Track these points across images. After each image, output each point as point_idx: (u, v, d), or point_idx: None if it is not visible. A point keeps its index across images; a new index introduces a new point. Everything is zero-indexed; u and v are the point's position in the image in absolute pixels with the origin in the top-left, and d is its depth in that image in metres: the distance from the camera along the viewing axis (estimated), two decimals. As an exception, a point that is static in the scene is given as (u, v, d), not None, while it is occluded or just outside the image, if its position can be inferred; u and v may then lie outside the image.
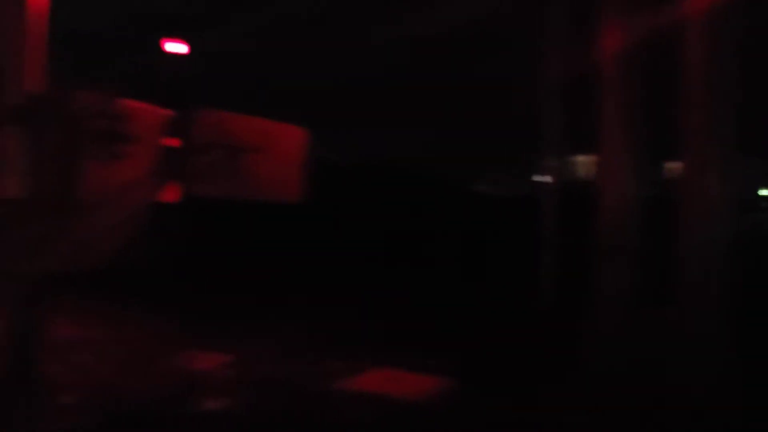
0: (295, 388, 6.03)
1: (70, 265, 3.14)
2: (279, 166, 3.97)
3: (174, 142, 3.56)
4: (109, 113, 3.14)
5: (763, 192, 32.12)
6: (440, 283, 11.75)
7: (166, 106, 3.68)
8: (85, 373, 6.08)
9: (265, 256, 13.67)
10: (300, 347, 7.39)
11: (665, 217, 5.91)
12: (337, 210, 17.32)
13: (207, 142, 3.48)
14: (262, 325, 8.29)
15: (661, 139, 6.73)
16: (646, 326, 5.65)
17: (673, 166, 6.65)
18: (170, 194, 3.67)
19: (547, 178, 11.88)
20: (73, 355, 5.92)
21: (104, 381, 6.03)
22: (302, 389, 6.00)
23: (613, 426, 5.19)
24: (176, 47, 18.85)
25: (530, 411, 5.53)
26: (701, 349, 5.11)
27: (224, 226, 13.22)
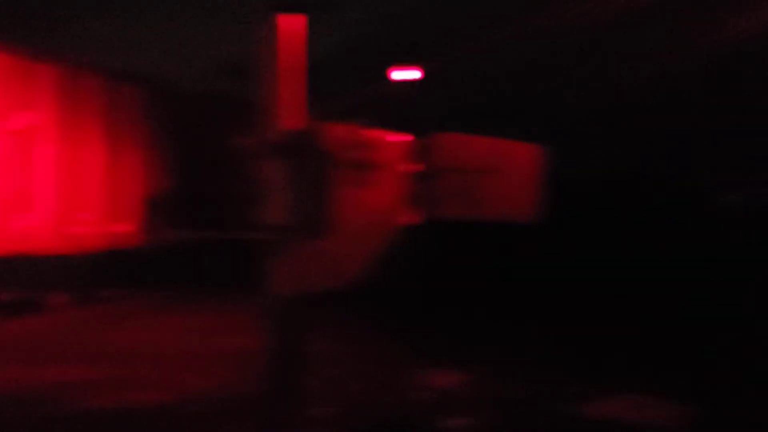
0: (539, 410, 5.92)
1: (326, 285, 3.38)
2: (516, 185, 3.95)
3: (415, 167, 3.70)
4: (359, 144, 3.35)
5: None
6: (688, 305, 10.87)
7: (406, 132, 3.84)
8: (336, 386, 6.51)
9: (504, 275, 13.68)
10: (541, 367, 7.27)
11: None
12: (575, 226, 16.83)
13: (445, 165, 3.57)
14: (501, 344, 8.30)
15: None
16: None
17: None
18: (413, 217, 3.81)
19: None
20: (326, 370, 6.34)
21: (354, 395, 6.41)
22: (546, 412, 5.88)
23: None
24: (409, 74, 19.59)
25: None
26: None
27: (464, 247, 13.46)
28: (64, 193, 11.03)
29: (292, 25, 3.47)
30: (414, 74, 19.39)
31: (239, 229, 3.57)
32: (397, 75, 18.85)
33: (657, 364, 7.32)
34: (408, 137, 3.69)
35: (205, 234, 2.95)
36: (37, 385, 6.77)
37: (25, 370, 7.31)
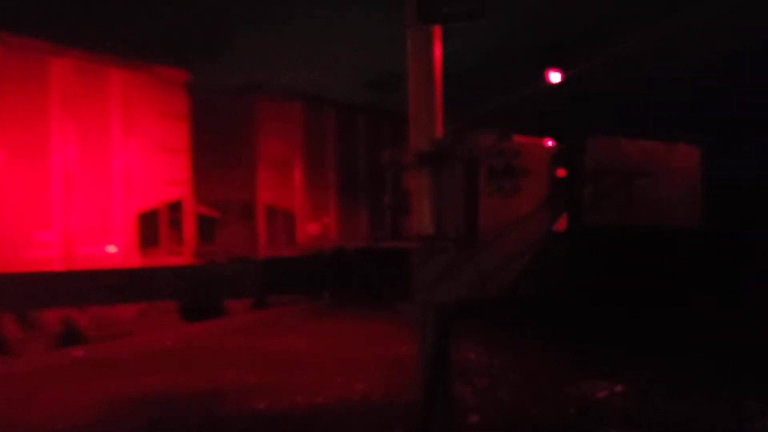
0: (703, 426, 5.57)
1: (474, 294, 3.36)
2: (671, 189, 3.74)
3: (562, 173, 3.60)
4: (504, 151, 3.32)
5: None
6: None
7: (550, 136, 3.75)
8: (486, 395, 6.45)
9: (659, 283, 13.00)
10: (697, 380, 6.83)
11: None
12: (736, 233, 15.70)
13: (597, 169, 3.45)
14: (656, 356, 7.89)
15: None
16: None
17: None
18: (561, 224, 3.71)
19: None
20: (476, 378, 6.30)
21: (503, 404, 6.33)
22: (711, 428, 5.51)
23: None
24: (552, 76, 19.14)
25: None
26: None
27: (616, 254, 12.94)
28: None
29: (428, 37, 3.51)
30: (555, 77, 18.92)
31: (391, 238, 3.63)
32: (549, 77, 18.42)
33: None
34: (555, 142, 3.61)
35: (362, 245, 3.05)
36: (202, 387, 7.23)
37: (196, 373, 7.84)
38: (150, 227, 10.62)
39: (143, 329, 10.32)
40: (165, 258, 10.52)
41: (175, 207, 11.08)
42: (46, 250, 9.19)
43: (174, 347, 9.47)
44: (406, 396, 6.62)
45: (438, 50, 3.60)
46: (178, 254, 10.94)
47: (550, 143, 3.67)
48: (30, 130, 9.18)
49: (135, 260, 10.12)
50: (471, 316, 3.61)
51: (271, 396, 6.74)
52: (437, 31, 3.58)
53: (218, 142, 12.37)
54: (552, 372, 7.42)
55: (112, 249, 9.85)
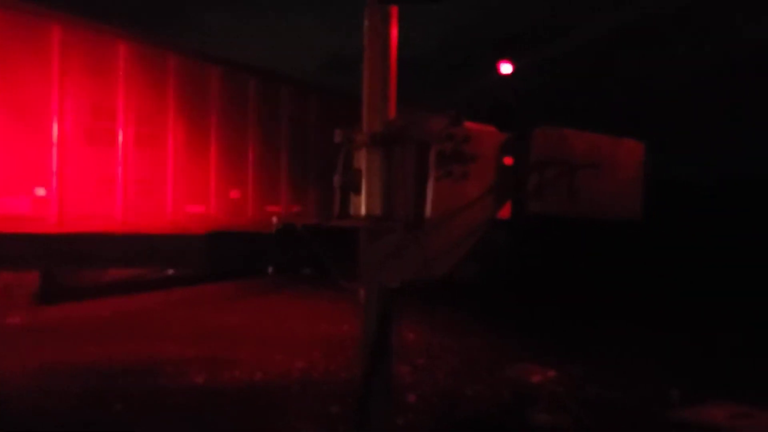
0: (628, 412, 5.79)
1: (418, 275, 3.41)
2: (615, 182, 3.85)
3: (510, 161, 3.67)
4: (454, 136, 3.36)
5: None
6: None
7: (499, 125, 3.81)
8: (424, 375, 6.57)
9: (596, 274, 13.37)
10: (627, 369, 7.09)
11: None
12: (675, 229, 16.23)
13: (543, 159, 3.52)
14: (587, 343, 8.15)
15: None
16: None
17: None
18: (506, 212, 3.78)
19: None
20: (416, 358, 6.40)
21: (441, 384, 6.46)
22: (636, 414, 5.74)
23: None
24: (503, 68, 19.42)
25: None
26: None
27: (555, 243, 13.24)
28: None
29: (385, 17, 3.53)
30: (507, 68, 19.20)
31: (339, 218, 3.65)
32: (505, 69, 18.63)
33: (762, 377, 7.00)
34: (504, 130, 3.66)
35: (308, 222, 3.07)
36: (141, 359, 7.16)
37: (135, 345, 7.74)
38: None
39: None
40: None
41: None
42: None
43: (112, 318, 9.32)
44: (345, 373, 6.70)
45: (394, 31, 3.61)
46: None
47: (500, 131, 3.72)
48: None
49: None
50: (414, 298, 3.66)
51: (210, 371, 6.72)
52: (394, 11, 3.59)
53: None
54: (489, 355, 7.60)
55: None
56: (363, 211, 3.54)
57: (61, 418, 5.31)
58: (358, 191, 3.60)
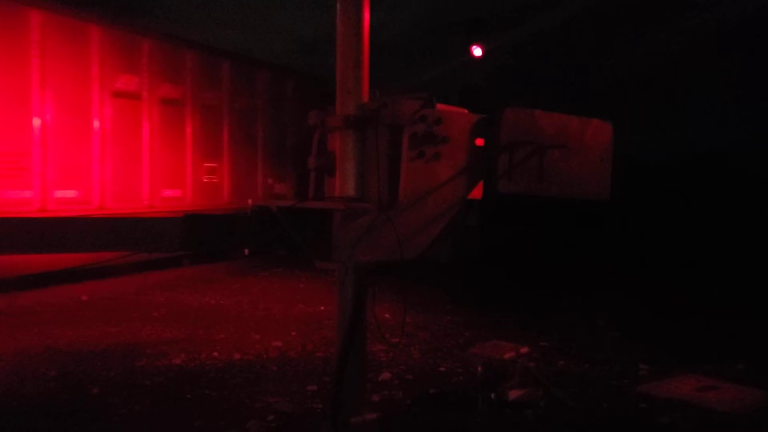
0: (598, 386, 5.95)
1: (392, 256, 3.47)
2: (583, 162, 3.93)
3: (481, 142, 3.73)
4: (426, 118, 3.42)
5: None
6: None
7: (470, 107, 3.87)
8: (399, 353, 6.68)
9: (567, 253, 13.57)
10: (599, 345, 7.27)
11: None
12: (644, 210, 16.49)
13: (513, 140, 3.59)
14: (559, 321, 8.31)
15: None
16: None
17: None
18: (477, 192, 3.85)
19: None
20: (390, 337, 6.50)
21: (415, 362, 6.58)
22: (606, 388, 5.90)
23: None
24: (474, 51, 19.53)
25: None
26: None
27: (527, 223, 13.40)
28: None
29: (357, 1, 3.56)
30: (477, 51, 19.30)
31: (314, 199, 3.70)
32: (476, 51, 18.71)
33: (726, 350, 7.21)
34: (474, 112, 3.72)
35: (283, 204, 3.09)
36: (118, 342, 7.18)
37: (112, 328, 7.75)
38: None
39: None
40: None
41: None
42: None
43: (89, 301, 9.31)
44: (321, 352, 6.79)
45: (367, 13, 3.65)
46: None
47: (471, 113, 3.78)
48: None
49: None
50: (388, 278, 3.73)
51: (188, 352, 6.77)
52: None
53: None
54: (462, 333, 7.73)
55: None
56: (337, 192, 3.60)
57: (37, 403, 5.33)
58: (332, 173, 3.65)
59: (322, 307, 8.89)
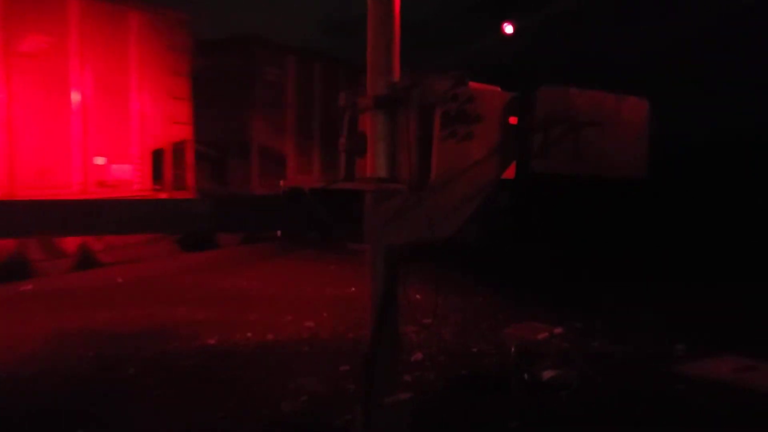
0: (634, 367, 5.88)
1: (424, 236, 3.44)
2: (619, 140, 3.85)
3: (514, 121, 3.67)
4: (458, 96, 3.37)
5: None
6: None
7: (502, 85, 3.80)
8: (431, 334, 6.66)
9: (602, 233, 13.40)
10: (634, 326, 7.17)
11: None
12: (682, 188, 16.19)
13: (547, 118, 3.53)
14: (593, 301, 8.22)
15: None
16: None
17: None
18: (510, 172, 3.79)
19: None
20: (422, 318, 6.48)
21: (447, 343, 6.56)
22: (641, 368, 5.82)
23: None
24: (506, 28, 19.27)
25: None
26: None
27: (561, 203, 13.26)
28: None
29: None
30: (509, 29, 19.04)
31: (345, 181, 3.67)
32: (507, 29, 18.49)
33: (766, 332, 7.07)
34: (508, 91, 3.66)
35: (315, 186, 3.09)
36: (153, 323, 7.27)
37: (147, 309, 7.86)
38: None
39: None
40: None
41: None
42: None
43: (124, 284, 9.44)
44: (352, 333, 6.80)
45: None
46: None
47: (504, 91, 3.72)
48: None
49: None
50: (419, 258, 3.71)
51: (221, 332, 6.83)
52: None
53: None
54: (494, 314, 7.69)
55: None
56: (368, 173, 3.57)
57: (74, 382, 5.42)
58: (363, 154, 3.62)
59: (352, 289, 8.90)
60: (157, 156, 11.30)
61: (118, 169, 10.51)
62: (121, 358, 6.00)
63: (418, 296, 7.24)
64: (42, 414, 4.78)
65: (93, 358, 6.00)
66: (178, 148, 11.65)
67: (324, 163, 14.77)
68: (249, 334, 6.80)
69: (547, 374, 5.18)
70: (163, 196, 10.99)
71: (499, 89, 3.69)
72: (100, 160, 10.31)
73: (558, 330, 6.80)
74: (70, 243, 9.97)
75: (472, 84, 3.47)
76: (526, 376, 5.20)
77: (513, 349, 5.37)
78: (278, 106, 14.13)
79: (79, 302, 8.17)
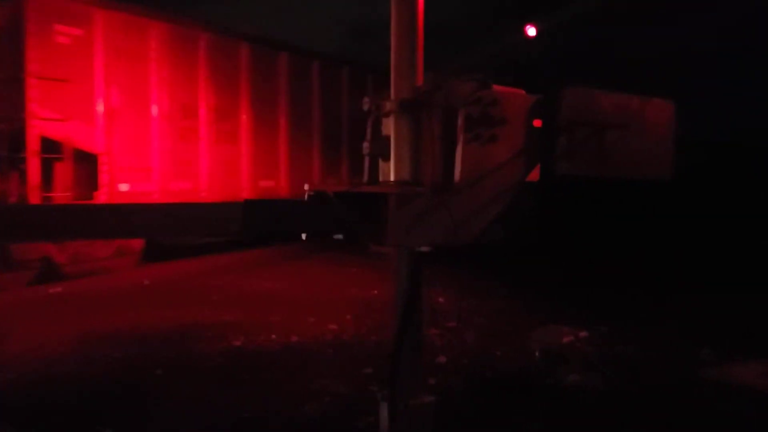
0: (660, 371, 5.82)
1: (447, 239, 3.44)
2: (645, 141, 3.82)
3: (539, 123, 3.66)
4: (482, 99, 3.37)
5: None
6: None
7: (526, 87, 3.80)
8: (454, 337, 6.66)
9: (625, 235, 13.29)
10: (657, 330, 7.10)
11: None
12: (704, 190, 16.00)
13: (572, 120, 3.51)
14: (618, 305, 8.16)
15: None
16: None
17: None
18: (534, 174, 3.78)
19: None
20: (445, 321, 6.48)
21: (470, 346, 6.55)
22: (667, 373, 5.77)
23: None
24: (529, 30, 19.20)
25: None
26: None
27: (585, 205, 13.17)
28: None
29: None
30: (532, 31, 18.98)
31: (369, 184, 3.69)
32: (530, 31, 18.44)
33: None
34: (532, 93, 3.65)
35: (339, 189, 3.10)
36: (180, 325, 7.35)
37: (174, 311, 7.94)
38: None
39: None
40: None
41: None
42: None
43: (151, 286, 9.55)
44: (375, 336, 6.82)
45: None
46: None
47: (528, 94, 3.71)
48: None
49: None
50: (443, 262, 3.71)
51: (247, 334, 6.88)
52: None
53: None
54: (517, 317, 7.66)
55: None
56: (392, 176, 3.58)
57: (102, 383, 5.50)
58: (387, 157, 3.64)
59: (375, 291, 8.92)
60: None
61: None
62: (147, 359, 6.08)
63: (441, 299, 7.28)
64: (71, 413, 4.85)
65: (120, 359, 6.08)
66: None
67: (352, 167, 14.83)
68: (273, 336, 6.85)
69: (572, 378, 5.16)
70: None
71: (523, 92, 3.68)
72: None
73: (583, 333, 6.76)
74: (34, 253, 9.61)
75: (496, 87, 3.47)
76: (550, 379, 5.19)
77: (537, 353, 5.35)
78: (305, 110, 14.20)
79: (107, 304, 8.28)
